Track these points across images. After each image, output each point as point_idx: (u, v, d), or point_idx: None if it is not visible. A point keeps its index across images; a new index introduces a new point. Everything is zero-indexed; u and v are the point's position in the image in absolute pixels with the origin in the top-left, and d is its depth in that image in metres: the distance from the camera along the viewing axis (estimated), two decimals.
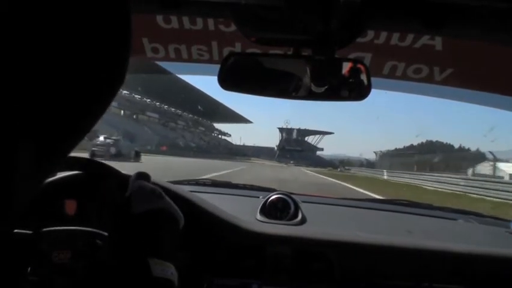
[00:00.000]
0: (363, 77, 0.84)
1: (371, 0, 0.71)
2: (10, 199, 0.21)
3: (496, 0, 0.65)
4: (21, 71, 0.20)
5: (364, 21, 0.78)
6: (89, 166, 0.91)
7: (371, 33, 1.23)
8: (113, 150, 20.39)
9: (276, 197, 1.32)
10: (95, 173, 0.91)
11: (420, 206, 1.75)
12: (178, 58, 1.43)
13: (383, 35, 1.23)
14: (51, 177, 0.89)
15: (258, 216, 1.26)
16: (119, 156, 19.44)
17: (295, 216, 1.27)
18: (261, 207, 1.30)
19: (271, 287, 1.06)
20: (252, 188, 1.78)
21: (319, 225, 1.27)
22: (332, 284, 1.08)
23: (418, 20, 0.76)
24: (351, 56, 1.27)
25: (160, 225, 0.74)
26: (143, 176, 0.79)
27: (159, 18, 1.29)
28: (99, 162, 0.91)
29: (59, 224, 0.86)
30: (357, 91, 0.86)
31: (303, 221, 1.26)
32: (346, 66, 0.85)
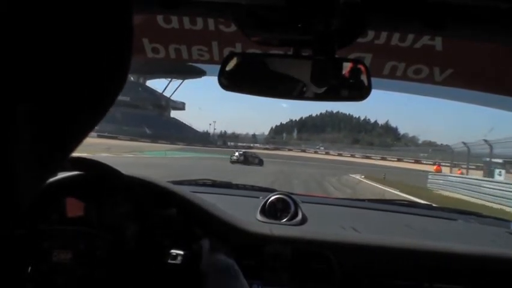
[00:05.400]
0: (364, 77, 0.84)
1: (371, 0, 0.71)
2: (12, 198, 0.21)
3: (496, 0, 0.65)
4: (24, 69, 0.20)
5: (364, 22, 0.78)
6: (91, 167, 0.91)
7: (371, 34, 1.24)
8: None
9: (276, 197, 1.32)
10: (97, 174, 0.91)
11: (420, 206, 1.75)
12: (179, 58, 1.43)
13: (383, 35, 1.24)
14: (52, 177, 0.89)
15: (258, 217, 1.26)
16: None
17: (295, 216, 1.27)
18: (261, 207, 1.30)
19: (272, 287, 1.06)
20: (252, 188, 1.78)
21: (319, 225, 1.27)
22: (332, 284, 1.08)
23: (418, 20, 0.76)
24: (352, 56, 1.27)
25: None
26: (215, 246, 0.79)
27: (159, 18, 1.29)
28: (100, 162, 0.91)
29: (61, 224, 0.86)
30: (357, 91, 0.86)
31: (303, 221, 1.26)
32: (346, 67, 0.85)
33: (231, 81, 0.87)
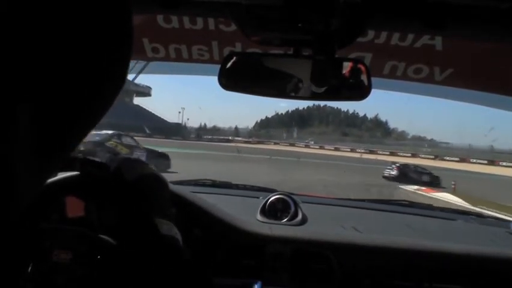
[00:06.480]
0: (364, 77, 0.84)
1: (371, 0, 0.71)
2: (12, 198, 0.21)
3: (495, 0, 0.65)
4: (24, 69, 0.20)
5: (364, 21, 0.78)
6: (89, 166, 0.91)
7: (371, 33, 1.24)
8: None
9: (276, 198, 1.32)
10: (97, 174, 0.91)
11: (420, 206, 1.75)
12: (179, 58, 1.44)
13: (384, 35, 1.24)
14: (52, 177, 0.89)
15: (258, 217, 1.26)
16: None
17: (296, 216, 1.27)
18: (261, 207, 1.30)
19: (273, 287, 1.06)
20: (252, 188, 1.78)
21: (319, 225, 1.27)
22: (332, 284, 1.08)
23: (418, 20, 0.76)
24: (352, 56, 1.27)
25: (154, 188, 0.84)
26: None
27: (159, 18, 1.29)
28: (99, 162, 0.91)
29: (62, 224, 0.86)
30: (357, 91, 0.86)
31: (303, 221, 1.26)
32: (346, 66, 0.85)
33: (231, 81, 0.87)
